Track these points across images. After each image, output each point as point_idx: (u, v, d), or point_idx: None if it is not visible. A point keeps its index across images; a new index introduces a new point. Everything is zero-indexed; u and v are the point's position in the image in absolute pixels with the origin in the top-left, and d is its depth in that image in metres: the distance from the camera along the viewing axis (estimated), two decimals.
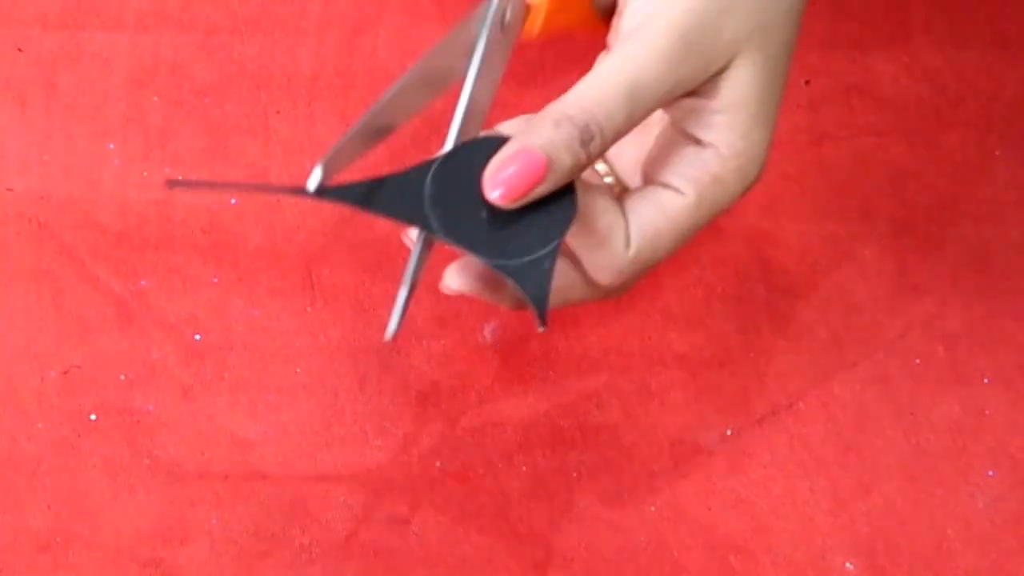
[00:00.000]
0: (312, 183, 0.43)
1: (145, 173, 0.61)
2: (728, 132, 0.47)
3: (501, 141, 0.45)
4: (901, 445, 0.58)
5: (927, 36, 0.67)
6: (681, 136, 0.49)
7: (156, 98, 0.63)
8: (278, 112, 0.63)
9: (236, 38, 0.65)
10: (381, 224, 0.61)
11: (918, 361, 0.59)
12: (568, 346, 0.59)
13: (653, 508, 0.56)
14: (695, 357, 0.59)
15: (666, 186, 0.48)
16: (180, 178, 0.46)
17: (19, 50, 0.64)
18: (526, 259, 0.45)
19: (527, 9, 0.50)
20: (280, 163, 0.62)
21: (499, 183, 0.45)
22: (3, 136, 0.62)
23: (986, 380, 0.59)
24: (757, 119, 0.48)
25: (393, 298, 0.59)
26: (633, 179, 0.52)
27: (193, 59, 0.64)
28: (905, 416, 0.58)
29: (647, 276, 0.51)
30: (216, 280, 0.59)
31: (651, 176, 0.49)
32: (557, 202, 0.45)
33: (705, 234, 0.61)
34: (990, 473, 0.57)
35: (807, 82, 0.65)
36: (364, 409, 0.57)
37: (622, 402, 0.58)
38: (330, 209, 0.61)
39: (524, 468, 0.56)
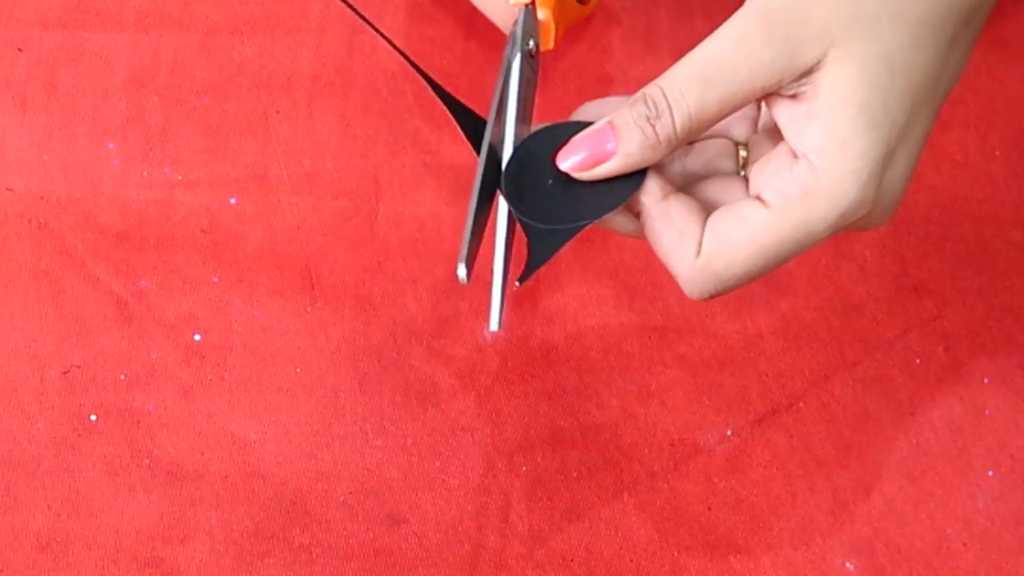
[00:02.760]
0: (461, 276, 0.47)
1: (145, 173, 0.61)
2: (822, 140, 0.43)
3: (576, 126, 0.47)
4: (901, 445, 0.58)
5: None
6: (785, 146, 0.45)
7: (156, 98, 0.63)
8: (278, 112, 0.63)
9: (236, 38, 0.65)
10: (381, 223, 0.61)
11: (918, 361, 0.59)
12: (568, 346, 0.59)
13: (653, 508, 0.56)
14: (695, 357, 0.59)
15: (756, 198, 0.45)
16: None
17: (19, 50, 0.64)
18: (549, 226, 0.46)
19: (540, 27, 0.53)
20: (280, 163, 0.62)
21: (571, 153, 0.46)
22: (3, 136, 0.62)
23: (986, 380, 0.59)
24: (857, 126, 0.43)
25: (394, 298, 0.60)
26: None
27: (193, 59, 0.64)
28: (905, 416, 0.58)
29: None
30: (216, 280, 0.59)
31: (750, 184, 0.47)
32: (620, 188, 0.46)
33: None
34: (990, 473, 0.57)
35: None
36: (364, 409, 0.57)
37: (622, 402, 0.58)
38: (330, 209, 0.61)
39: (524, 468, 0.56)
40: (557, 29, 0.56)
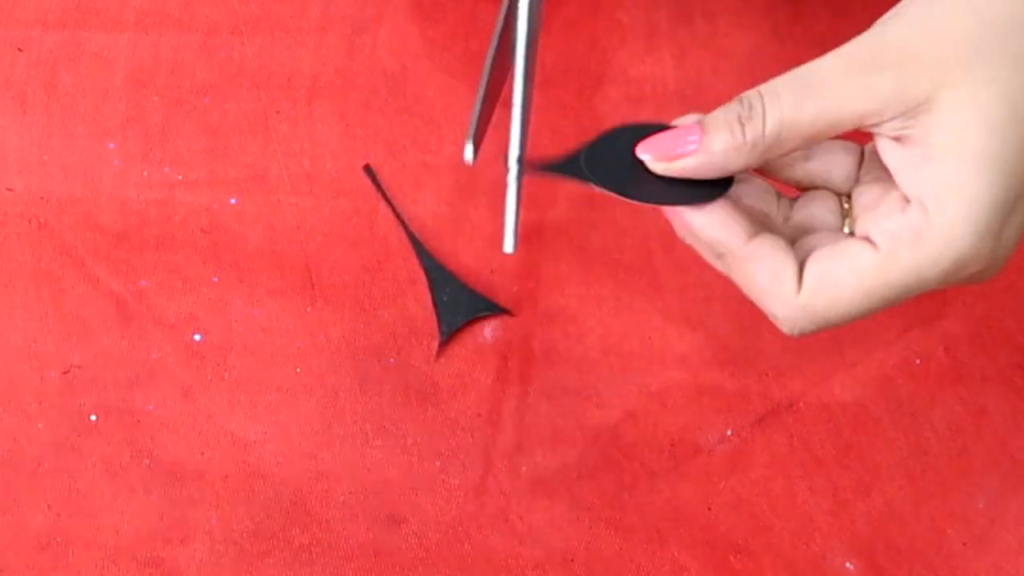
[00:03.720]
0: (468, 156, 0.45)
1: (145, 173, 0.61)
2: (936, 184, 0.41)
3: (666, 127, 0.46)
4: (901, 445, 0.58)
5: None
6: (896, 191, 0.43)
7: (156, 98, 0.63)
8: (278, 112, 0.63)
9: (236, 38, 0.65)
10: (381, 223, 0.61)
11: (918, 361, 0.59)
12: (568, 346, 0.59)
13: (653, 508, 0.56)
14: (695, 357, 0.59)
15: (863, 238, 0.43)
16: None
17: (19, 50, 0.64)
18: (610, 190, 0.46)
19: None
20: (280, 163, 0.62)
21: (654, 142, 0.44)
22: (3, 136, 0.62)
23: (986, 380, 0.59)
24: (975, 171, 0.40)
25: (394, 298, 0.60)
26: None
27: (193, 59, 0.64)
28: (905, 416, 0.58)
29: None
30: (216, 280, 0.59)
31: (857, 228, 0.45)
32: (692, 195, 0.45)
33: None
34: (990, 473, 0.57)
35: None
36: (364, 409, 0.57)
37: (622, 402, 0.58)
38: (330, 209, 0.61)
39: (524, 468, 0.56)
40: None
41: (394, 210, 0.60)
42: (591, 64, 0.66)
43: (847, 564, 0.55)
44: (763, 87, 0.43)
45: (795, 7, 0.66)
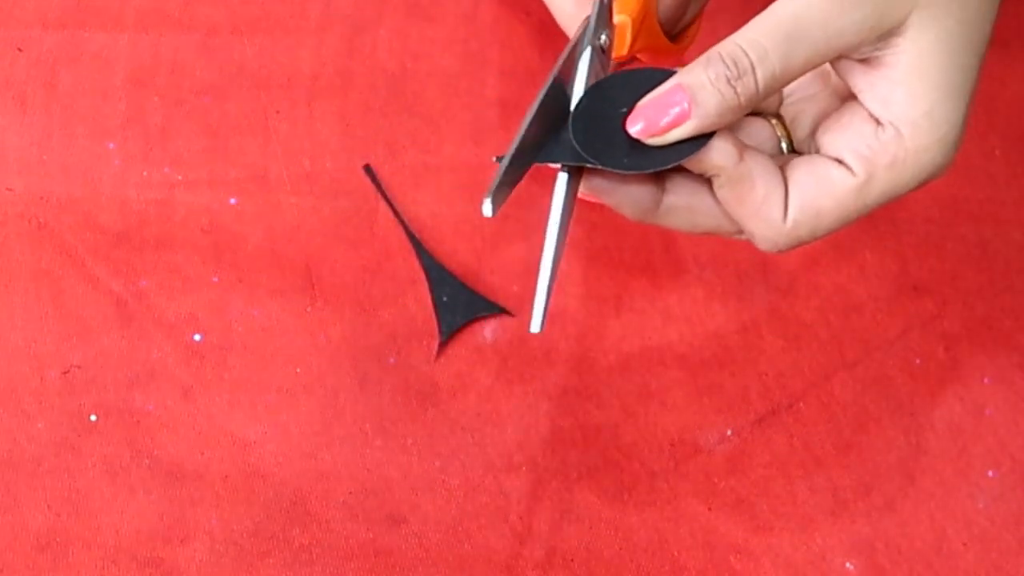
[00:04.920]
0: (487, 211, 0.44)
1: (145, 173, 0.61)
2: (908, 109, 0.44)
3: (650, 74, 0.45)
4: (901, 445, 0.58)
5: None
6: (862, 110, 0.45)
7: (156, 98, 0.63)
8: (278, 112, 0.63)
9: (236, 38, 0.65)
10: (381, 224, 0.61)
11: (918, 361, 0.59)
12: (568, 346, 0.59)
13: (653, 508, 0.56)
14: (695, 357, 0.59)
15: (837, 161, 0.45)
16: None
17: (19, 50, 0.64)
18: (601, 164, 0.44)
19: (615, 31, 0.50)
20: (280, 163, 0.62)
21: (641, 118, 0.44)
22: (3, 136, 0.62)
23: (986, 380, 0.59)
24: (942, 93, 0.44)
25: (394, 298, 0.60)
26: (809, 146, 0.48)
27: (193, 59, 0.64)
28: (905, 416, 0.58)
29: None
30: (216, 280, 0.59)
31: (824, 145, 0.46)
32: (682, 148, 0.44)
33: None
34: (990, 473, 0.57)
35: None
36: (364, 409, 0.57)
37: (622, 402, 0.58)
38: (330, 209, 0.61)
39: (524, 468, 0.56)
40: (633, 41, 0.53)
41: (394, 210, 0.61)
42: None
43: (847, 564, 0.55)
44: (744, 41, 0.43)
45: None
